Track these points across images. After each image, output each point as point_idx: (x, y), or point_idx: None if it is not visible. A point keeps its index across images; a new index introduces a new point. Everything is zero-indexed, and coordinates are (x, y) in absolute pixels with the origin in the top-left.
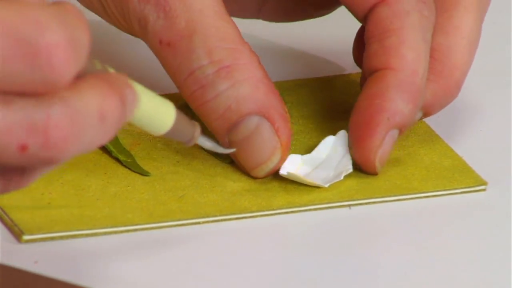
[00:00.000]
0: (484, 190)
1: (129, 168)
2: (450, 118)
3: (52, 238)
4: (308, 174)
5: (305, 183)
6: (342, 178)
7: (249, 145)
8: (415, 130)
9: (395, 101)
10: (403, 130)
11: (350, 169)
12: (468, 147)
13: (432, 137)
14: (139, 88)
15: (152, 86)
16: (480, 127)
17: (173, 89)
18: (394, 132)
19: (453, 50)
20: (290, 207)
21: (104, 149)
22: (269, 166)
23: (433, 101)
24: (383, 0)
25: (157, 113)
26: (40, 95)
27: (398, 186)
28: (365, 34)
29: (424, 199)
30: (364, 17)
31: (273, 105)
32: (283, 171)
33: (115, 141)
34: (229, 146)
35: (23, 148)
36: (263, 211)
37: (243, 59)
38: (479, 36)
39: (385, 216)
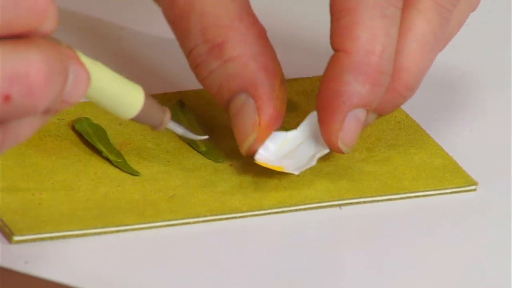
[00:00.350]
0: (474, 190)
1: (119, 168)
2: (441, 118)
3: (43, 239)
4: (282, 158)
5: (276, 170)
6: (314, 163)
7: (236, 122)
8: (406, 130)
9: (349, 83)
10: (370, 109)
11: (326, 150)
12: (459, 147)
13: (422, 137)
14: (102, 69)
15: (152, 85)
16: (471, 127)
17: (171, 89)
18: (358, 112)
19: (401, 52)
20: (281, 207)
21: (94, 149)
22: (247, 144)
23: (381, 102)
24: None
25: (124, 96)
26: (17, 36)
27: (389, 186)
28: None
29: (414, 199)
30: None
31: (262, 83)
32: (257, 156)
33: (106, 141)
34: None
35: (7, 98)
36: (254, 211)
37: (236, 36)
38: (438, 39)
39: (376, 216)
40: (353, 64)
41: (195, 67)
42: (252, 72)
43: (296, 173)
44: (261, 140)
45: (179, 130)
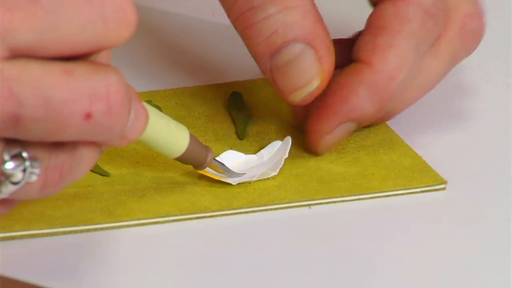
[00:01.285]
0: (443, 189)
1: None
2: (410, 118)
3: (13, 238)
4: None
5: (215, 178)
6: (254, 179)
7: (291, 69)
8: (375, 130)
9: (361, 98)
10: (359, 126)
11: (272, 173)
12: (428, 147)
13: (391, 137)
14: (152, 111)
15: (154, 82)
16: (440, 126)
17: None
18: (350, 125)
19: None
20: (250, 207)
21: None
22: (308, 90)
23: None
24: None
25: (171, 136)
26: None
27: (358, 186)
28: (368, 18)
29: (384, 198)
30: (375, 3)
31: (319, 34)
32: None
33: None
34: (271, 72)
35: (88, 116)
36: (223, 210)
37: None
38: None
39: (345, 216)
40: (373, 81)
41: (248, 9)
42: (312, 23)
43: (234, 183)
44: (322, 88)
45: (221, 168)
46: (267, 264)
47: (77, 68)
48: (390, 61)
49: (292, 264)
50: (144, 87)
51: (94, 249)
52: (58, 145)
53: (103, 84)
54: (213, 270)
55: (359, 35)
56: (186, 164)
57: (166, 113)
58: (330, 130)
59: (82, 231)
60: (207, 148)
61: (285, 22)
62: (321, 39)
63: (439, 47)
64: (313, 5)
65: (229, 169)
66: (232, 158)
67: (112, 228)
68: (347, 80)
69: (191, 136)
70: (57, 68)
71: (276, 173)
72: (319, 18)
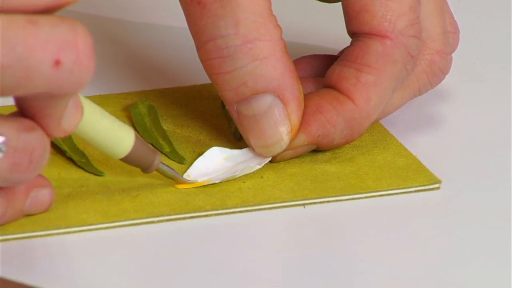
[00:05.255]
0: (438, 188)
1: (83, 168)
2: (404, 117)
3: (6, 240)
4: (215, 172)
5: (196, 185)
6: (237, 174)
7: (260, 123)
8: (369, 130)
9: (337, 128)
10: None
11: (257, 167)
12: (422, 146)
13: (385, 136)
14: (96, 108)
15: (148, 82)
16: (434, 126)
17: (167, 85)
18: (312, 147)
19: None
20: (245, 206)
21: (58, 149)
22: (277, 150)
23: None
24: (383, 35)
25: (115, 135)
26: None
27: (352, 185)
28: (349, 47)
29: (378, 198)
30: (355, 33)
31: (289, 86)
32: (190, 171)
33: (69, 141)
34: (237, 116)
35: (57, 63)
36: (217, 210)
37: (268, 35)
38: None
39: (340, 215)
40: (352, 117)
41: (218, 57)
42: (282, 74)
43: (217, 181)
44: (289, 144)
45: (169, 172)
46: (261, 264)
47: (42, 18)
48: (372, 100)
49: (286, 264)
50: (138, 86)
51: (88, 249)
52: (27, 128)
53: (71, 33)
54: (206, 271)
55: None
56: (133, 166)
57: (160, 113)
58: (295, 147)
59: (76, 232)
60: (154, 151)
61: (255, 75)
62: (290, 91)
63: (406, 80)
64: (284, 51)
65: (178, 174)
66: (217, 155)
67: (106, 228)
68: (327, 108)
69: (137, 137)
70: (21, 18)
71: (260, 167)
72: (289, 67)
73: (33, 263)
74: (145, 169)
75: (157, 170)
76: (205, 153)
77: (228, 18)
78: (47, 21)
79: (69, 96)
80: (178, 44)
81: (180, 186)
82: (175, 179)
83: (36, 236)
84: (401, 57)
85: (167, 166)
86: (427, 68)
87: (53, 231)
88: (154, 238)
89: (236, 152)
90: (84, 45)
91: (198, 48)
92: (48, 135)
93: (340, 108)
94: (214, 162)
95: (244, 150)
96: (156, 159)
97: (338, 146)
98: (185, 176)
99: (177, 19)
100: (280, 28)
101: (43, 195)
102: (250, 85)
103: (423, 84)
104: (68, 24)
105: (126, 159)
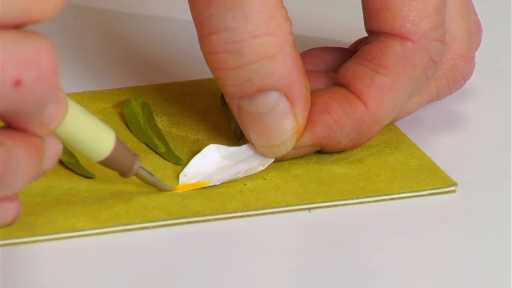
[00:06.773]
0: (454, 191)
1: (72, 170)
2: (418, 116)
3: None
4: (214, 172)
5: (199, 186)
6: (240, 176)
7: (264, 122)
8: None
9: (344, 131)
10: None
11: (260, 168)
12: (437, 146)
13: (397, 136)
14: (77, 107)
15: (142, 77)
16: (450, 125)
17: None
18: (316, 148)
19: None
20: (246, 211)
21: None
22: (281, 151)
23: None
24: (405, 37)
25: (94, 137)
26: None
27: (362, 188)
28: (367, 45)
29: (389, 202)
30: (374, 31)
31: (297, 84)
32: (181, 178)
33: None
34: (238, 111)
35: (18, 83)
36: (217, 214)
37: (278, 30)
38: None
39: (348, 220)
40: (362, 120)
41: (223, 51)
42: (289, 71)
43: (217, 183)
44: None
45: (149, 178)
46: (264, 273)
47: (4, 34)
48: (385, 104)
49: (291, 273)
50: (131, 81)
51: (78, 257)
52: None
53: (33, 50)
54: (205, 280)
55: (358, 44)
56: (111, 169)
57: (155, 110)
58: (298, 147)
59: (64, 238)
60: (135, 155)
61: (261, 73)
62: (298, 89)
63: (425, 85)
64: (293, 45)
65: (158, 181)
66: (214, 154)
67: (97, 234)
68: (336, 108)
69: (118, 140)
70: None
71: (264, 168)
72: (297, 62)
73: (19, 270)
74: (124, 173)
75: (136, 175)
76: (203, 151)
77: (237, 9)
78: (10, 38)
79: (33, 113)
80: (174, 37)
81: (181, 187)
82: (155, 186)
83: (22, 243)
84: (421, 61)
85: (148, 171)
86: (448, 74)
87: (40, 237)
88: (148, 245)
89: (234, 149)
90: (47, 62)
91: (201, 39)
92: (33, 134)
93: (350, 110)
94: (211, 161)
95: (243, 147)
96: (136, 163)
97: (344, 150)
98: (181, 175)
99: (173, 10)
100: (291, 21)
101: (8, 208)
102: (255, 82)
103: (442, 90)
104: (31, 39)
105: (105, 162)
